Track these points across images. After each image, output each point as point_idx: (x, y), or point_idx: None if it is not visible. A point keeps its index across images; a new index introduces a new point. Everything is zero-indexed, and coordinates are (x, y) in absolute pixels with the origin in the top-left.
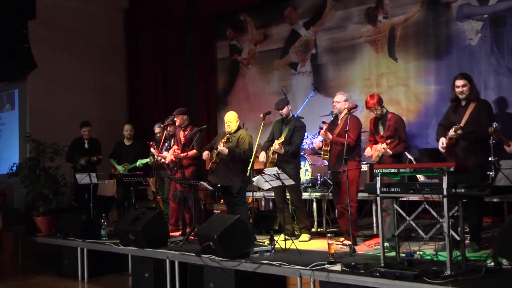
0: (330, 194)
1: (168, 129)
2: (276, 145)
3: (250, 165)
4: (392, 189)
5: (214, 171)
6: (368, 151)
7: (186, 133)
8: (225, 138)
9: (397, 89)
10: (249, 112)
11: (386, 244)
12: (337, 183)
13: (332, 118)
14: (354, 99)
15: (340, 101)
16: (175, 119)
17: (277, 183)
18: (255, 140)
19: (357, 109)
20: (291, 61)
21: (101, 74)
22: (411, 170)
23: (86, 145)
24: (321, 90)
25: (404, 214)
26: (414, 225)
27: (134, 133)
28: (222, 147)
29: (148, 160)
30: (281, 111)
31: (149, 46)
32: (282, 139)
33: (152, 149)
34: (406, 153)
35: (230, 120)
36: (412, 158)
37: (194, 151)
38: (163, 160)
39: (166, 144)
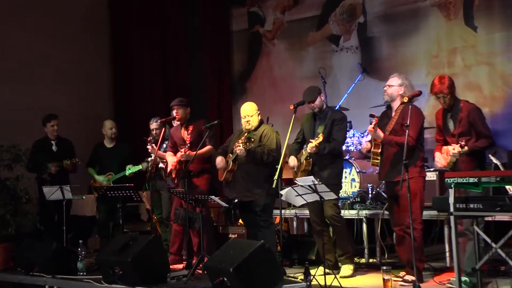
0: (385, 212)
1: (167, 125)
2: (312, 146)
3: (278, 172)
4: (472, 206)
5: (230, 182)
6: (438, 158)
7: (190, 130)
8: (243, 137)
9: (477, 69)
10: (275, 103)
11: (464, 279)
12: (393, 197)
13: (385, 109)
14: (417, 84)
15: (393, 85)
16: (174, 112)
17: (313, 197)
18: (283, 139)
19: (420, 97)
20: (331, 33)
21: (76, 57)
22: (498, 179)
23: (54, 147)
24: (372, 72)
25: (489, 240)
26: (503, 254)
27: (119, 133)
28: (240, 148)
29: (140, 167)
30: (313, 104)
31: (141, 21)
32: (320, 138)
33: (148, 146)
34: (490, 156)
35: (250, 113)
36: (498, 163)
37: (208, 146)
38: (161, 165)
39: (165, 144)
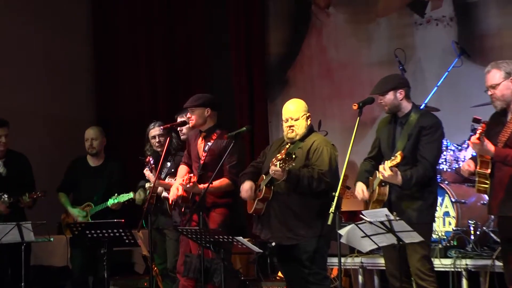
0: (496, 262)
1: (174, 133)
2: (385, 169)
3: (335, 203)
4: None
5: (264, 216)
6: None
7: (209, 143)
8: (283, 150)
9: None
10: (330, 101)
11: None
12: (510, 240)
13: (496, 112)
14: None
15: (497, 82)
16: (187, 116)
17: (388, 239)
18: (342, 153)
19: None
20: None
21: (47, 44)
22: None
23: (0, 169)
24: (475, 55)
25: None
26: None
27: (106, 145)
28: (276, 168)
29: (130, 195)
30: (382, 99)
31: None
32: (398, 158)
33: (146, 171)
34: None
35: (294, 115)
36: None
37: (225, 180)
38: (165, 193)
39: (170, 163)
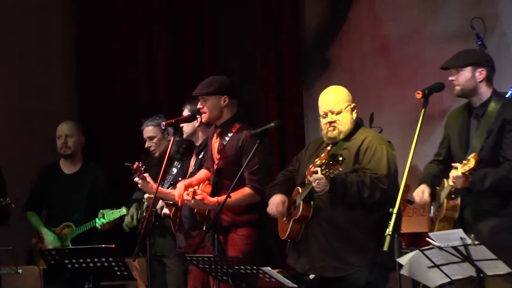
0: None
1: (177, 131)
2: (457, 177)
3: (393, 221)
4: None
5: (301, 241)
6: None
7: (225, 142)
8: (324, 154)
9: None
10: (385, 88)
11: None
12: None
13: None
14: None
15: None
16: (198, 106)
17: (465, 270)
18: (403, 156)
19: None
20: None
21: (15, 19)
22: None
23: None
24: None
25: None
26: None
27: (88, 146)
28: (318, 176)
29: (124, 210)
30: (456, 77)
31: None
32: (472, 162)
33: (137, 179)
34: None
35: (336, 107)
36: None
37: (245, 189)
38: (166, 210)
39: (176, 170)
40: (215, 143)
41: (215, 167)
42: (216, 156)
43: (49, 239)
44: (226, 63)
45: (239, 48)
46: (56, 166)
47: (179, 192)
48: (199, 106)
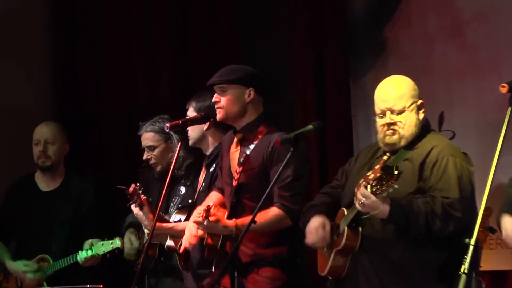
0: None
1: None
2: None
3: (468, 258)
4: None
5: (346, 279)
6: None
7: (248, 150)
8: (378, 165)
9: None
10: (461, 79)
11: None
12: None
13: None
14: None
15: None
16: (214, 100)
17: None
18: (481, 167)
19: None
20: None
21: None
22: None
23: None
24: None
25: None
26: None
27: (67, 157)
28: (367, 194)
29: (117, 242)
30: None
31: None
32: None
33: (134, 208)
34: None
35: (396, 104)
36: None
37: (274, 210)
38: (169, 242)
39: (184, 189)
40: (235, 152)
41: (235, 183)
42: (236, 169)
43: (19, 272)
44: (248, 49)
45: (264, 27)
46: (30, 181)
47: (189, 234)
48: (214, 99)
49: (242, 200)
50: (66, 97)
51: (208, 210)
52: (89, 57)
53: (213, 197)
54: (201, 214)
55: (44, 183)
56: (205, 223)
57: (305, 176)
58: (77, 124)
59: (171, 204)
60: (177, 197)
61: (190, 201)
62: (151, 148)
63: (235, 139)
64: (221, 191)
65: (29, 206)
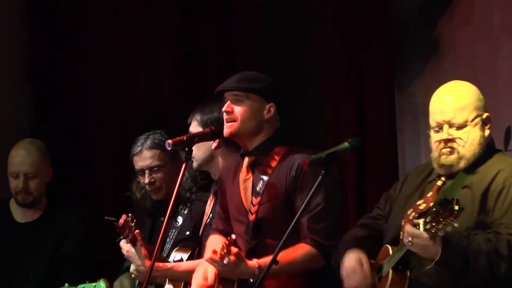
0: None
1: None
2: None
3: None
4: None
5: None
6: None
7: (265, 176)
8: (431, 193)
9: None
10: None
11: None
12: None
13: None
14: None
15: None
16: (225, 109)
17: None
18: None
19: None
20: None
21: None
22: None
23: None
24: None
25: None
26: None
27: (53, 179)
28: (417, 232)
29: (102, 285)
30: None
31: None
32: None
33: (123, 244)
34: None
35: (457, 117)
36: None
37: (302, 247)
38: (169, 286)
39: (181, 219)
40: (247, 180)
41: (252, 217)
42: (252, 200)
43: None
44: (269, 56)
45: (287, 23)
46: (3, 209)
47: (197, 282)
48: (226, 108)
49: (263, 239)
50: (44, 108)
51: (229, 244)
52: (74, 61)
53: (213, 242)
54: (221, 250)
55: (20, 213)
56: (225, 261)
57: (339, 204)
58: (58, 140)
59: (167, 239)
60: (174, 230)
61: (187, 233)
62: (155, 169)
63: (245, 164)
64: (223, 233)
65: (0, 239)
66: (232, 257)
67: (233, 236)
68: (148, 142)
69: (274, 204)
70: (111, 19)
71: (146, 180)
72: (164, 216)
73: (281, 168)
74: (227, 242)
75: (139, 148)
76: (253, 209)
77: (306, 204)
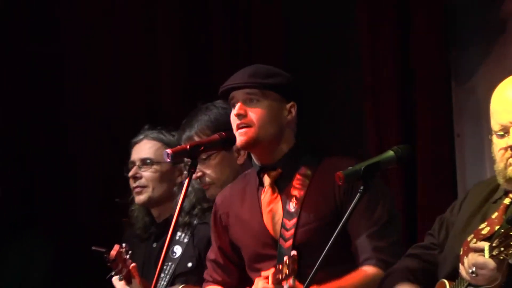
0: None
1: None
2: None
3: None
4: None
5: None
6: None
7: (304, 190)
8: (499, 211)
9: None
10: None
11: None
12: None
13: None
14: None
15: None
16: (236, 112)
17: None
18: None
19: None
20: None
21: None
22: None
23: None
24: None
25: None
26: None
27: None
28: (479, 261)
29: None
30: None
31: None
32: None
33: (115, 280)
34: None
35: None
36: None
37: (369, 270)
38: None
39: (180, 250)
40: (273, 200)
41: (287, 244)
42: (284, 223)
43: None
44: (294, 47)
45: (315, 11)
46: None
47: None
48: (238, 110)
49: (306, 270)
50: (12, 104)
51: (294, 260)
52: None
53: None
54: (276, 277)
55: None
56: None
57: (399, 214)
58: (30, 143)
59: (161, 275)
60: (170, 263)
61: (189, 264)
62: (148, 161)
63: (267, 182)
64: (220, 284)
65: None
66: (290, 283)
67: (294, 252)
68: (153, 133)
69: (317, 226)
70: (109, 17)
71: (131, 173)
72: (157, 242)
73: (321, 181)
74: (287, 262)
75: (140, 137)
76: (287, 234)
77: (367, 218)
